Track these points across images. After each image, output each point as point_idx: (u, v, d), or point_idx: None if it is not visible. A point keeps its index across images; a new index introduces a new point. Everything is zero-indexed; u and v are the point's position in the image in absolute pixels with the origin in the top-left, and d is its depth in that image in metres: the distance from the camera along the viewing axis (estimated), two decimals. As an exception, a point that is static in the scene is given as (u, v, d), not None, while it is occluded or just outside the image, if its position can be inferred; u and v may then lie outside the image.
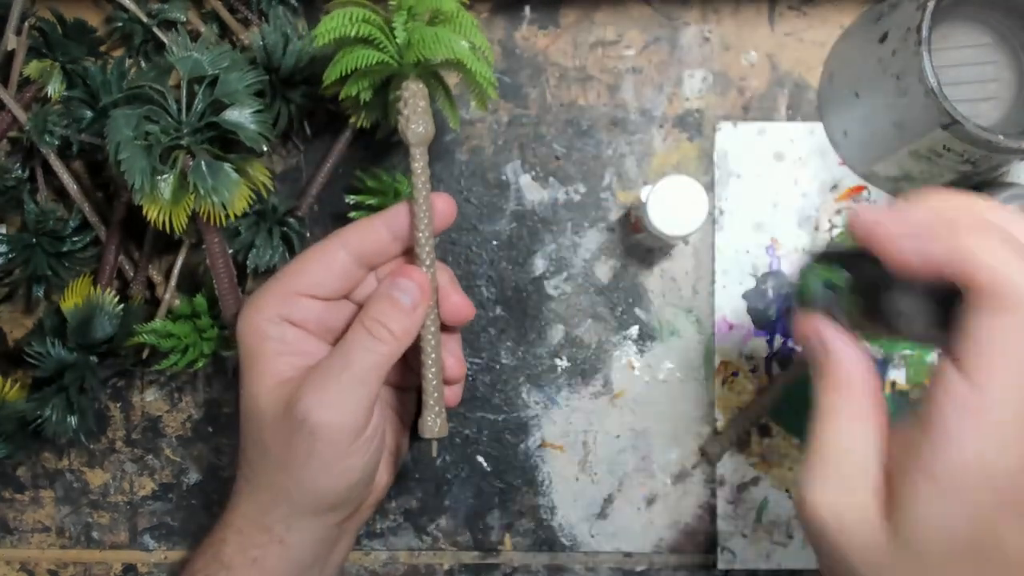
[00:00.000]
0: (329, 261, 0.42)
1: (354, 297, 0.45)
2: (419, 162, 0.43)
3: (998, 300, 0.25)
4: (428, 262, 0.43)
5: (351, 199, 0.52)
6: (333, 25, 0.41)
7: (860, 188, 0.54)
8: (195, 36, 0.50)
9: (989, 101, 0.51)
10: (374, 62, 0.41)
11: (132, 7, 0.51)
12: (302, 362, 0.41)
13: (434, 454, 0.45)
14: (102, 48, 0.53)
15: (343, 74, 0.42)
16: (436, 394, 0.43)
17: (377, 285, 0.44)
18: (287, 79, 0.49)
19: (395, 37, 0.42)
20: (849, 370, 0.30)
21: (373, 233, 0.42)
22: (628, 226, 0.53)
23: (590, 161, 0.55)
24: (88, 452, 0.56)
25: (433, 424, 0.43)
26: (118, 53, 0.54)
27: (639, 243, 0.54)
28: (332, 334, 0.44)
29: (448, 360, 0.45)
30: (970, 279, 0.26)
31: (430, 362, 0.42)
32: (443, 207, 0.43)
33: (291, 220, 0.51)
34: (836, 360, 0.30)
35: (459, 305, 0.44)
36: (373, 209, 0.50)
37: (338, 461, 0.39)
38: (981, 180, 0.52)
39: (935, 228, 0.26)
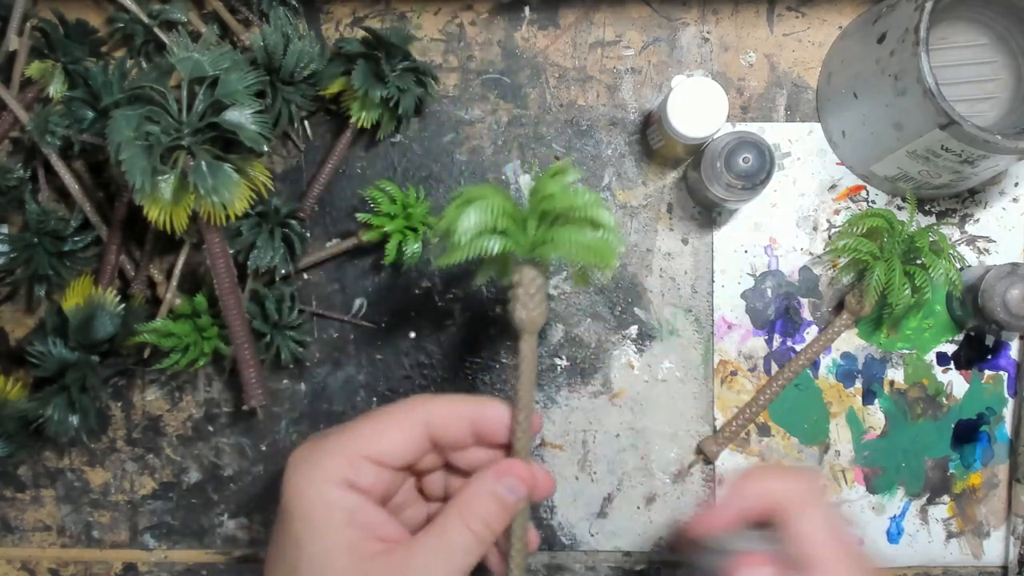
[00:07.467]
0: (407, 433, 0.38)
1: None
2: (528, 352, 0.40)
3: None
4: (528, 450, 0.40)
5: (362, 217, 0.51)
6: (474, 222, 0.36)
7: (858, 188, 0.54)
8: (196, 37, 0.51)
9: (987, 101, 0.52)
10: (499, 251, 0.37)
11: (133, 8, 0.51)
12: (378, 535, 0.38)
13: None
14: (103, 49, 0.54)
15: (469, 260, 0.37)
16: (521, 567, 0.42)
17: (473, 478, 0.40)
18: (287, 80, 0.49)
19: (526, 231, 0.38)
20: None
21: (458, 430, 0.39)
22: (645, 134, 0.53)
23: (590, 161, 0.55)
24: (89, 451, 0.56)
25: None
26: (119, 54, 0.54)
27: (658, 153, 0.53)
28: (386, 501, 0.40)
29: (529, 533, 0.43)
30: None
31: (520, 545, 0.41)
32: (544, 483, 0.40)
33: (292, 222, 0.51)
34: None
35: (544, 485, 0.41)
36: (388, 235, 0.50)
37: None
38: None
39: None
